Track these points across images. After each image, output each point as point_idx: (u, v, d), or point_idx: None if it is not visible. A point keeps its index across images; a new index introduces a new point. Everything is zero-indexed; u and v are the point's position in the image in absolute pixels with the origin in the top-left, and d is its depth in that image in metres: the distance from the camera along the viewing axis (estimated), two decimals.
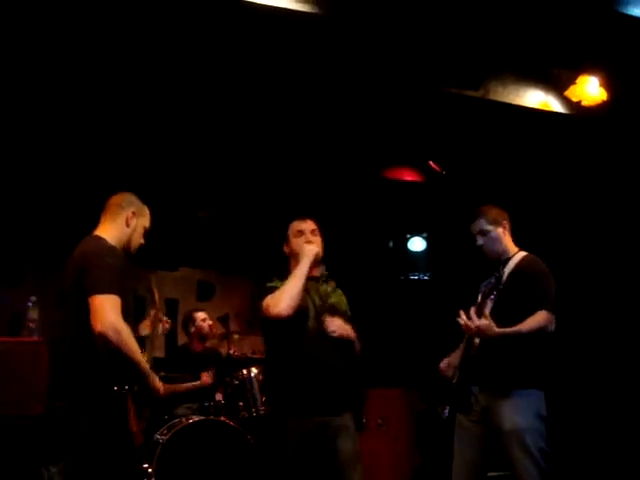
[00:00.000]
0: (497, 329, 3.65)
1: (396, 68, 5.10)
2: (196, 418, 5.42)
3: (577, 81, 5.19)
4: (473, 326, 3.69)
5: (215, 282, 8.29)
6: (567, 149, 5.88)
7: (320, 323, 3.76)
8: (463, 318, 3.76)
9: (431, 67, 5.06)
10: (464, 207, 7.17)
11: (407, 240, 7.97)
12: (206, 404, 5.70)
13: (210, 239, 7.59)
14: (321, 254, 3.89)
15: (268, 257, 7.63)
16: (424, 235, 7.97)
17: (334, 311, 3.89)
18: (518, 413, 3.68)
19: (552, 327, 3.76)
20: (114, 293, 3.17)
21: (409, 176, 7.06)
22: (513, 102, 5.35)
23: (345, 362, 3.84)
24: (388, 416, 6.68)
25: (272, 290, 3.75)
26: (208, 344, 6.51)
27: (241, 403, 5.80)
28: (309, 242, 3.89)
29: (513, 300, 3.79)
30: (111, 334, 3.11)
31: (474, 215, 4.11)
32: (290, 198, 7.12)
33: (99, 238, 3.42)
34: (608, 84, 5.15)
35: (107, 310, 3.13)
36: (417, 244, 7.97)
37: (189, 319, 6.49)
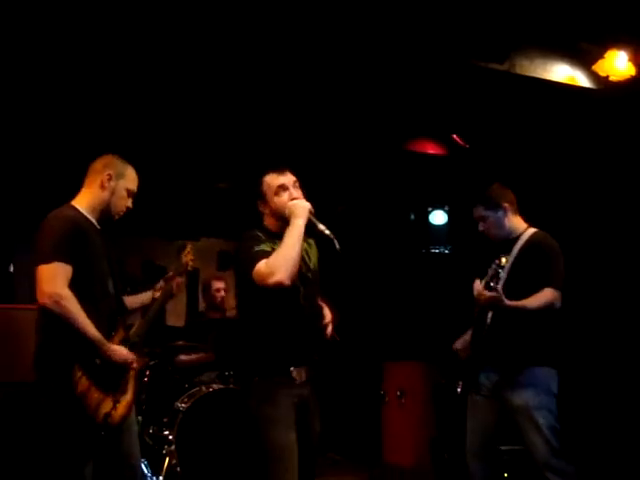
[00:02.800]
0: (507, 301, 3.66)
1: (421, 40, 5.04)
2: (216, 386, 5.49)
3: (605, 55, 5.11)
4: (486, 295, 3.69)
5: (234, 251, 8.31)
6: (593, 125, 5.82)
7: (306, 289, 3.49)
8: (478, 287, 3.78)
9: (457, 39, 5.01)
10: (486, 181, 7.16)
11: (429, 213, 7.94)
12: (226, 373, 5.75)
13: (231, 210, 7.61)
14: (313, 210, 3.44)
15: None
16: (446, 208, 7.93)
17: (315, 278, 3.64)
18: (529, 390, 3.73)
19: (558, 304, 3.79)
20: (57, 260, 3.06)
21: (432, 149, 7.02)
22: (539, 76, 5.28)
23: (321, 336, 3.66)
24: (407, 389, 6.71)
25: (263, 254, 3.28)
26: (228, 314, 6.53)
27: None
28: (295, 198, 3.47)
29: (523, 276, 3.81)
30: (50, 304, 3.02)
31: (475, 201, 4.16)
32: (311, 170, 7.10)
33: (63, 207, 3.29)
34: (637, 59, 5.07)
35: (45, 280, 3.03)
36: (438, 217, 7.94)
37: (206, 286, 6.53)
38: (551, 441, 3.68)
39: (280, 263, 3.20)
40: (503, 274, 3.75)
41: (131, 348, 3.31)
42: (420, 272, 7.93)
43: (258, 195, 3.55)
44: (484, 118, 6.19)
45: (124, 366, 3.22)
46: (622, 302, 5.81)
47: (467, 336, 4.14)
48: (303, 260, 3.48)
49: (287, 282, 3.21)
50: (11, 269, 7.03)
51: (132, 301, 3.64)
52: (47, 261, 3.05)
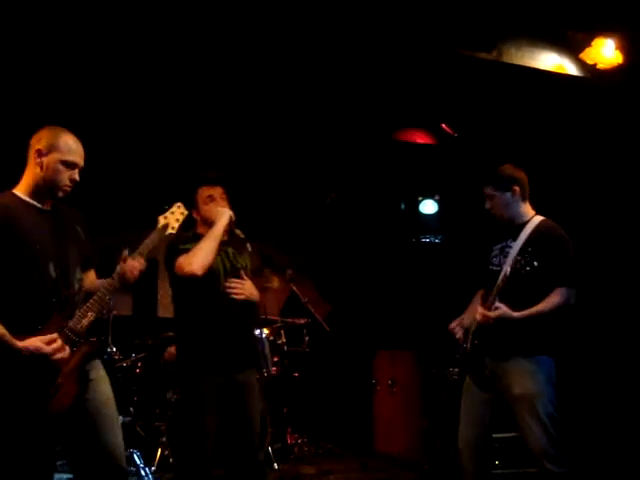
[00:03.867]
0: (516, 313, 3.65)
1: (409, 30, 5.05)
2: None
3: (593, 44, 5.12)
4: (492, 316, 3.67)
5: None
6: (581, 113, 5.83)
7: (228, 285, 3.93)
8: (479, 311, 3.76)
9: (444, 29, 5.01)
10: (476, 170, 7.17)
11: (419, 203, 7.96)
12: None
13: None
14: (234, 217, 3.95)
15: (275, 221, 7.74)
16: (436, 198, 7.95)
17: (240, 272, 4.02)
18: (529, 378, 3.69)
19: (573, 300, 3.73)
20: None
21: (421, 138, 7.03)
22: (527, 64, 5.29)
23: (249, 321, 4.04)
24: (398, 378, 6.74)
25: (185, 252, 3.82)
26: None
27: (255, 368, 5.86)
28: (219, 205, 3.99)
29: (531, 266, 3.71)
30: None
31: (484, 179, 4.04)
32: (302, 161, 7.12)
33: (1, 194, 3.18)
34: (624, 47, 5.09)
35: None
36: (429, 207, 7.96)
37: None
38: (550, 430, 3.65)
39: (196, 256, 3.76)
40: (508, 262, 3.73)
41: (68, 336, 3.05)
42: (411, 261, 7.95)
43: (192, 204, 4.01)
44: (472, 107, 6.20)
45: (40, 357, 2.95)
46: (619, 289, 5.84)
47: (465, 318, 4.10)
48: (222, 262, 3.97)
49: (199, 272, 3.74)
50: None
51: (93, 286, 3.37)
52: None
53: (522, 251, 3.76)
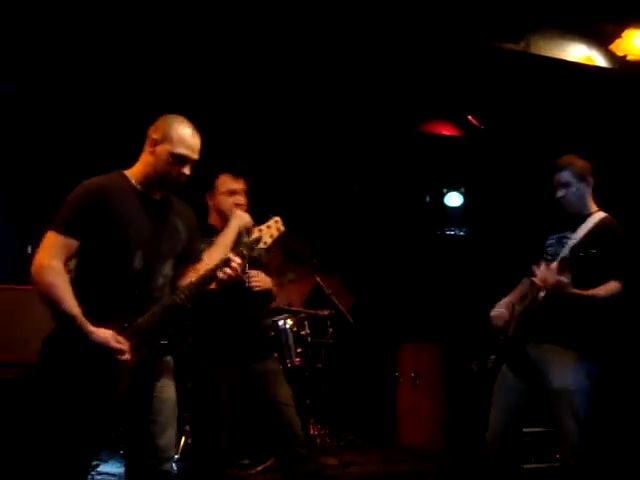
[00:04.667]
0: (573, 289, 3.57)
1: (436, 21, 5.02)
2: None
3: (623, 35, 5.07)
4: (553, 279, 3.58)
5: None
6: (610, 105, 5.77)
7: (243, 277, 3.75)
8: (542, 268, 3.67)
9: (471, 20, 4.97)
10: (502, 163, 7.14)
11: (444, 195, 7.93)
12: None
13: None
14: (250, 223, 3.62)
15: (301, 212, 7.74)
16: (461, 190, 7.91)
17: (256, 264, 3.83)
18: (571, 373, 3.62)
19: (621, 295, 3.67)
20: (54, 230, 2.88)
21: (447, 130, 7.00)
22: (555, 56, 5.24)
23: (263, 310, 4.05)
24: (421, 371, 6.72)
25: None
26: None
27: (276, 354, 5.88)
28: (239, 205, 3.82)
29: (590, 259, 3.65)
30: (32, 272, 2.84)
31: (559, 165, 3.89)
32: (328, 153, 7.10)
33: (108, 173, 3.07)
34: None
35: (39, 249, 2.87)
36: (454, 199, 7.93)
37: None
38: (584, 424, 3.58)
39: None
40: (565, 251, 3.68)
41: (134, 333, 2.92)
42: (435, 254, 7.92)
43: (209, 188, 3.92)
44: (500, 99, 6.16)
45: (105, 349, 2.83)
46: None
47: (503, 305, 4.00)
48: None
49: None
50: (29, 250, 7.07)
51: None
52: (48, 230, 2.89)
53: (582, 242, 3.70)
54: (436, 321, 7.19)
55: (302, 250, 7.79)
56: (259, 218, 3.55)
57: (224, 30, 5.08)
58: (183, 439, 5.35)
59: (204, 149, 3.14)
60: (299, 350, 5.98)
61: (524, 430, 4.97)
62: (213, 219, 3.94)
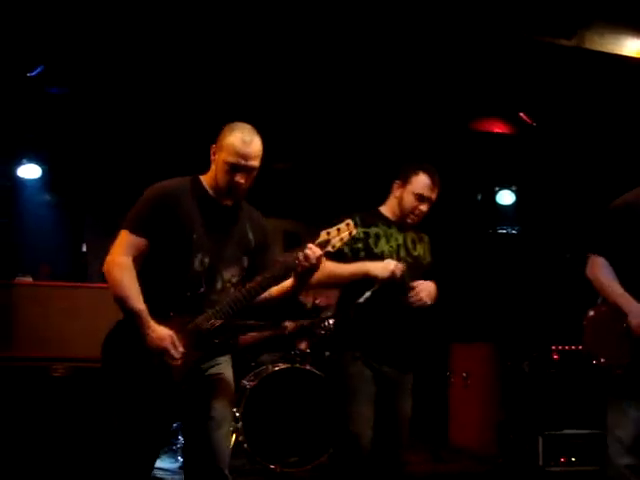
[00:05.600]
0: None
1: (487, 17, 4.98)
2: (282, 365, 5.54)
3: None
4: None
5: (301, 232, 8.38)
6: None
7: (403, 276, 3.53)
8: None
9: (523, 15, 4.92)
10: (554, 160, 7.04)
11: (496, 193, 7.86)
12: (292, 352, 5.82)
13: (296, 189, 7.66)
14: (400, 275, 3.52)
15: (353, 208, 7.75)
16: (513, 188, 7.83)
17: (418, 265, 3.76)
18: None
19: None
20: (125, 229, 2.96)
21: (499, 128, 6.94)
22: (609, 51, 5.15)
23: (419, 320, 3.80)
24: (473, 371, 6.67)
25: (338, 255, 3.39)
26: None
27: (327, 353, 5.89)
28: (419, 214, 3.70)
29: None
30: (104, 269, 2.93)
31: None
32: (377, 149, 7.10)
33: (183, 177, 3.14)
34: None
35: (112, 247, 2.96)
36: (506, 197, 7.85)
37: None
38: None
39: (325, 278, 3.43)
40: None
41: (191, 334, 2.93)
42: (487, 253, 7.85)
43: (401, 178, 3.74)
44: (552, 95, 6.07)
45: (157, 351, 2.86)
46: None
47: None
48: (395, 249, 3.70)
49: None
50: (84, 249, 7.21)
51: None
52: (120, 228, 2.98)
53: None
54: (488, 321, 7.13)
55: None
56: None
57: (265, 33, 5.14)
58: (234, 436, 5.42)
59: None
60: None
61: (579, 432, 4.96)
62: (389, 207, 3.78)
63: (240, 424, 5.28)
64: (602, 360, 3.32)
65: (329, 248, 3.02)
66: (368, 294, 3.51)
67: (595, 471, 5.03)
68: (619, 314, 3.27)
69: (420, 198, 3.68)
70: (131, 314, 2.88)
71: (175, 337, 2.88)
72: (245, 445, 5.24)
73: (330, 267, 3.44)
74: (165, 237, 2.96)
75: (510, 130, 6.87)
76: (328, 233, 3.03)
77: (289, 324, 6.06)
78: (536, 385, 5.77)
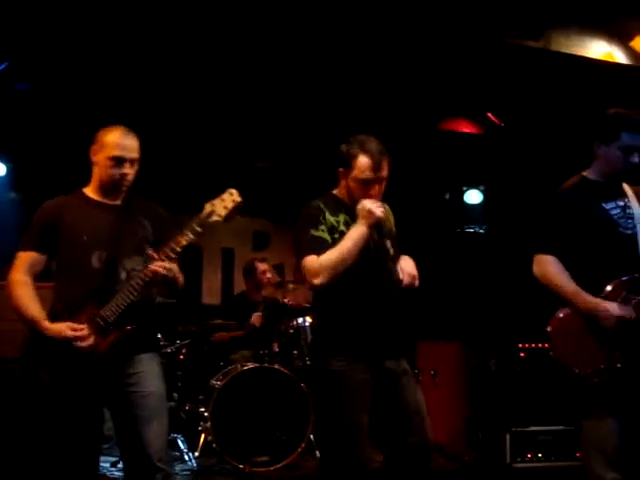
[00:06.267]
0: None
1: (456, 18, 5.01)
2: (251, 365, 5.54)
3: None
4: None
5: (271, 232, 8.37)
6: (631, 102, 5.71)
7: (379, 258, 3.35)
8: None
9: (491, 17, 4.96)
10: (522, 160, 7.11)
11: (464, 192, 7.91)
12: (261, 352, 5.81)
13: (267, 189, 7.65)
14: (383, 218, 3.33)
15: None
16: (481, 188, 7.89)
17: (393, 240, 3.50)
18: None
19: None
20: (19, 249, 3.27)
21: (467, 128, 6.98)
22: (576, 53, 5.22)
23: (401, 303, 3.50)
24: (441, 369, 6.71)
25: (316, 243, 3.22)
26: (264, 292, 6.60)
27: (295, 352, 5.91)
28: (372, 196, 3.30)
29: None
30: (6, 287, 3.25)
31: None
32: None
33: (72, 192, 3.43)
34: None
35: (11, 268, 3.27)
36: (474, 197, 7.91)
37: (252, 268, 6.57)
38: None
39: (328, 266, 3.17)
40: (634, 217, 3.35)
41: (98, 324, 3.12)
42: (455, 251, 7.90)
43: (344, 164, 3.38)
44: (519, 96, 6.13)
45: (63, 340, 3.09)
46: None
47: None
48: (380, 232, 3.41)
49: (327, 285, 3.19)
50: None
51: None
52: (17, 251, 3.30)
53: None
54: (456, 319, 7.18)
55: None
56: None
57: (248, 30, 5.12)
58: (203, 436, 5.40)
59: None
60: None
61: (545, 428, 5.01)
62: (342, 193, 3.43)
63: (209, 424, 5.27)
64: (576, 371, 3.19)
65: (215, 217, 3.17)
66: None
67: (561, 467, 5.09)
68: (583, 316, 3.22)
69: (366, 183, 3.32)
70: (28, 322, 3.18)
71: (73, 324, 3.12)
72: (214, 445, 5.23)
73: (330, 256, 3.18)
74: (60, 246, 3.26)
75: (478, 130, 6.92)
76: (212, 204, 3.18)
77: (256, 317, 6.08)
78: (503, 383, 5.83)
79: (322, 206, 3.35)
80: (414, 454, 3.31)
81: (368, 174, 3.30)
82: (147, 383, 3.23)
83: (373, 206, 3.24)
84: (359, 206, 3.26)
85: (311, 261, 3.19)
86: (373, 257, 3.33)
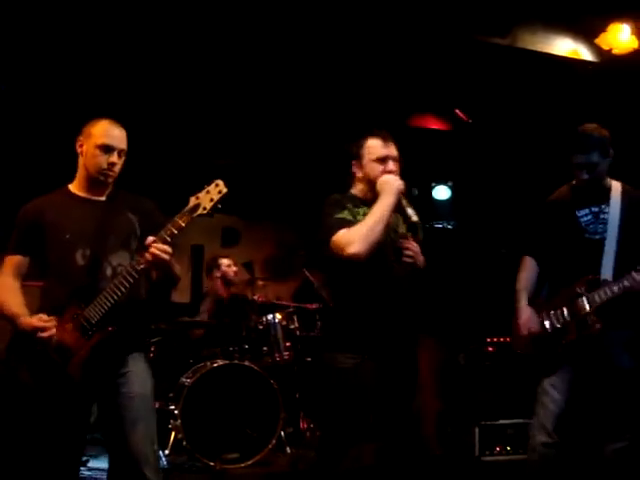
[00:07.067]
0: None
1: (423, 15, 5.04)
2: (221, 362, 5.53)
3: (608, 29, 5.10)
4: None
5: (240, 228, 8.36)
6: (596, 98, 5.80)
7: (393, 254, 3.41)
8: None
9: (458, 14, 5.00)
10: (489, 156, 7.17)
11: (432, 188, 7.95)
12: (230, 349, 5.80)
13: (236, 186, 7.62)
14: (405, 189, 3.37)
15: (293, 204, 7.76)
16: (449, 184, 7.93)
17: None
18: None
19: None
20: (4, 254, 3.28)
21: (435, 124, 7.02)
22: (542, 50, 5.28)
23: (414, 300, 3.61)
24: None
25: (343, 223, 3.30)
26: (233, 290, 6.60)
27: (265, 348, 5.91)
28: (392, 172, 3.40)
29: (638, 229, 3.57)
30: None
31: (585, 146, 3.64)
32: (314, 144, 7.11)
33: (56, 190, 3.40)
34: None
35: None
36: (442, 192, 7.95)
37: (214, 265, 6.56)
38: None
39: (361, 235, 3.22)
40: (613, 230, 3.55)
41: (81, 324, 3.09)
42: (423, 247, 7.93)
43: (354, 156, 3.50)
44: (487, 93, 6.18)
45: (32, 332, 3.07)
46: None
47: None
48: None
49: (364, 255, 3.21)
50: None
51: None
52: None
53: (626, 216, 3.59)
54: (425, 314, 7.21)
55: (294, 243, 7.84)
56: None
57: (224, 34, 5.12)
58: (173, 434, 5.38)
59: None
60: (288, 344, 6.01)
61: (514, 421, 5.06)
62: (358, 190, 3.52)
63: (179, 421, 5.25)
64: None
65: (200, 210, 3.13)
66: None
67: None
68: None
69: (382, 160, 3.43)
70: (9, 320, 3.16)
71: (43, 315, 3.09)
72: (184, 442, 5.21)
73: (360, 226, 3.26)
74: (44, 245, 3.23)
75: (445, 126, 6.96)
76: (197, 197, 3.14)
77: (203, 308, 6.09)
78: (472, 377, 5.88)
79: (342, 199, 3.45)
80: (410, 450, 3.40)
81: (381, 150, 3.43)
82: (133, 384, 3.19)
83: (392, 178, 3.35)
84: (379, 182, 3.35)
85: (342, 233, 3.26)
86: (387, 255, 3.39)
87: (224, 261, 6.55)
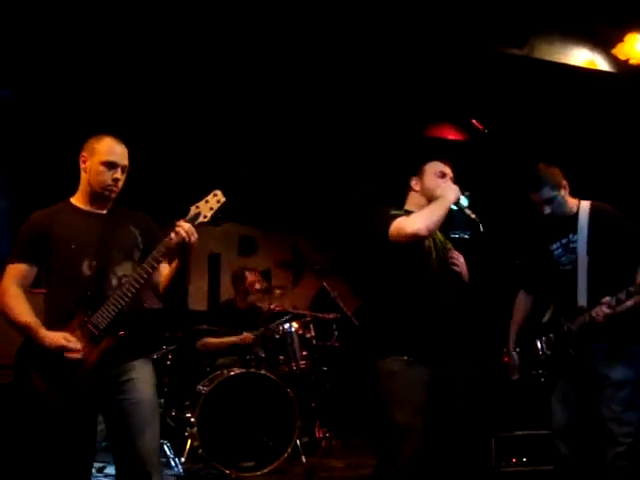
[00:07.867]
0: (618, 307, 3.58)
1: (441, 26, 5.05)
2: (237, 370, 5.55)
3: (625, 39, 5.09)
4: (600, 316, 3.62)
5: (257, 237, 8.39)
6: (613, 109, 5.79)
7: (443, 265, 3.69)
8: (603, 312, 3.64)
9: (476, 25, 5.01)
10: (507, 166, 7.15)
11: None
12: (247, 357, 5.82)
13: (253, 194, 7.67)
14: (458, 192, 3.76)
15: (310, 214, 7.78)
16: (466, 194, 7.91)
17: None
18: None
19: None
20: (9, 261, 3.29)
21: (451, 134, 7.02)
22: (558, 60, 5.28)
23: (461, 307, 3.75)
24: None
25: (397, 216, 3.55)
26: (249, 299, 6.61)
27: (281, 357, 5.93)
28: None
29: (606, 251, 3.73)
30: None
31: (534, 185, 3.95)
32: (331, 155, 7.13)
33: (60, 202, 3.43)
34: None
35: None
36: (459, 202, 7.92)
37: (241, 277, 6.55)
38: None
39: (421, 215, 3.54)
40: (582, 253, 3.74)
41: (90, 331, 3.14)
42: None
43: (415, 171, 3.91)
44: (503, 103, 6.18)
45: (56, 351, 3.09)
46: None
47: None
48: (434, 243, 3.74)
49: (425, 233, 3.48)
50: None
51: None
52: (5, 264, 3.31)
53: (592, 240, 3.75)
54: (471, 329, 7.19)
55: (311, 254, 7.87)
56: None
57: (229, 40, 5.14)
58: (189, 442, 5.40)
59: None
60: (304, 353, 6.02)
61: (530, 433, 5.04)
62: (413, 203, 3.82)
63: (195, 429, 5.28)
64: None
65: (201, 219, 3.20)
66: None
67: (544, 470, 5.12)
68: None
69: (442, 175, 3.86)
70: (22, 329, 3.17)
71: (68, 335, 3.11)
72: (200, 450, 5.23)
73: (419, 212, 3.58)
74: (50, 255, 3.26)
75: (463, 137, 6.96)
76: (197, 207, 3.21)
77: (247, 335, 6.05)
78: (488, 388, 5.86)
79: (395, 209, 3.71)
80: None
81: (442, 167, 3.90)
82: (139, 390, 3.23)
83: (452, 185, 3.78)
84: (441, 187, 3.74)
85: (402, 219, 3.52)
86: (440, 260, 3.69)
87: (250, 276, 6.54)
